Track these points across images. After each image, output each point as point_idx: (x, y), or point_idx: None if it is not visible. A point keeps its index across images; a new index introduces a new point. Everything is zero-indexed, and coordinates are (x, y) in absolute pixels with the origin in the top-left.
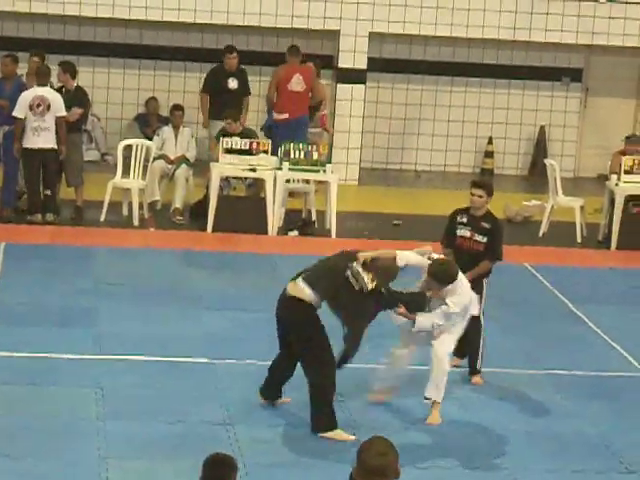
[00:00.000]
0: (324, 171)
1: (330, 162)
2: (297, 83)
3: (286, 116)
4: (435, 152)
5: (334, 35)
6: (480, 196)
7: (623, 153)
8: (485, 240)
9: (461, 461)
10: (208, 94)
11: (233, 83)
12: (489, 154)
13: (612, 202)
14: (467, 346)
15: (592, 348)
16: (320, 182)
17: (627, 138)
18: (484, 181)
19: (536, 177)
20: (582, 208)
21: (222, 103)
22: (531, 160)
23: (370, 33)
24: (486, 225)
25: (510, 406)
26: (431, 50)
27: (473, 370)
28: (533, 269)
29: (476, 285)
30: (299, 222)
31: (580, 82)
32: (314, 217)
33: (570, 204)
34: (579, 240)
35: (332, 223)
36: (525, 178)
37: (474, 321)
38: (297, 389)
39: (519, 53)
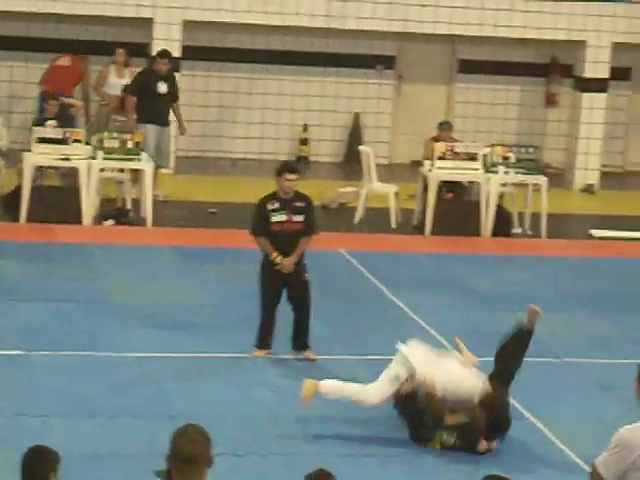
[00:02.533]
0: (139, 160)
1: (144, 151)
2: (65, 59)
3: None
4: (251, 140)
5: (148, 23)
6: (295, 180)
7: (436, 139)
8: (302, 218)
9: (275, 448)
10: (135, 96)
11: (163, 87)
12: (304, 141)
13: (425, 188)
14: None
15: (408, 333)
16: (135, 171)
17: (440, 124)
18: (296, 164)
19: (351, 164)
20: (396, 194)
21: (151, 106)
22: (346, 147)
23: (184, 21)
24: (300, 204)
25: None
26: (246, 38)
27: (305, 345)
28: (349, 255)
29: (300, 263)
30: (114, 211)
31: (393, 69)
32: (129, 206)
33: (385, 190)
34: (394, 226)
35: (148, 212)
36: (340, 165)
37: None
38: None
39: (333, 41)
